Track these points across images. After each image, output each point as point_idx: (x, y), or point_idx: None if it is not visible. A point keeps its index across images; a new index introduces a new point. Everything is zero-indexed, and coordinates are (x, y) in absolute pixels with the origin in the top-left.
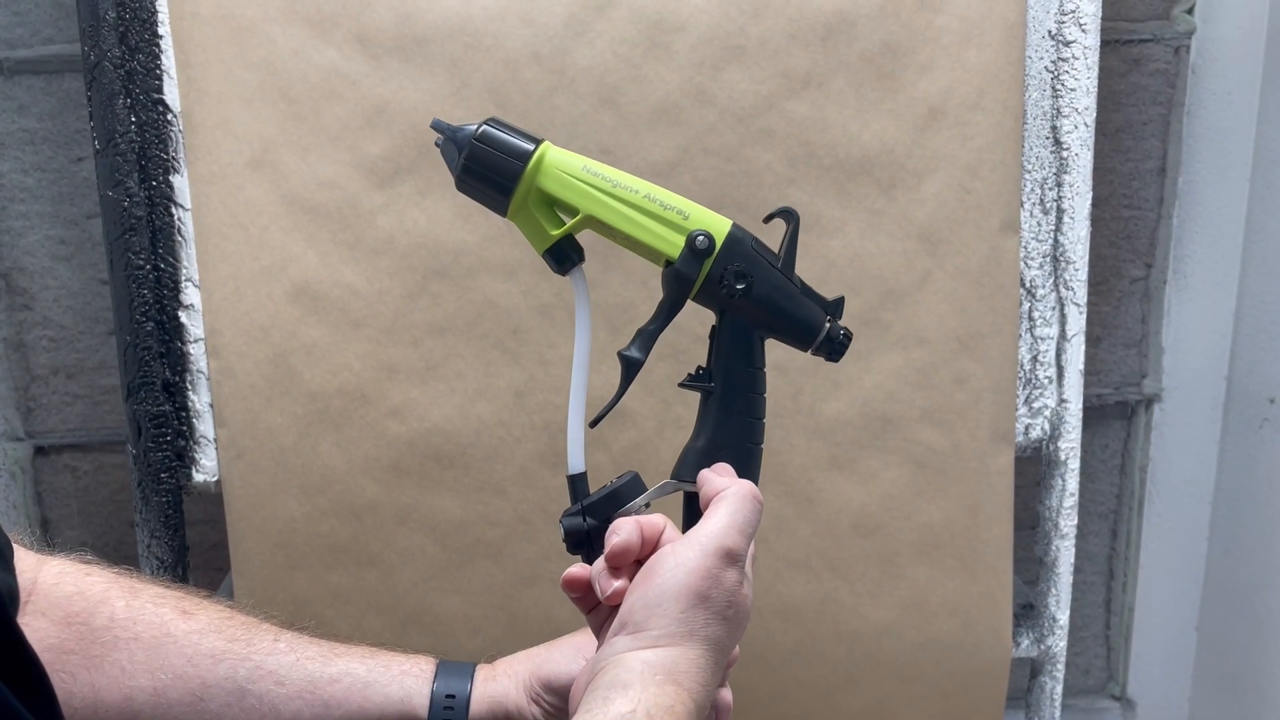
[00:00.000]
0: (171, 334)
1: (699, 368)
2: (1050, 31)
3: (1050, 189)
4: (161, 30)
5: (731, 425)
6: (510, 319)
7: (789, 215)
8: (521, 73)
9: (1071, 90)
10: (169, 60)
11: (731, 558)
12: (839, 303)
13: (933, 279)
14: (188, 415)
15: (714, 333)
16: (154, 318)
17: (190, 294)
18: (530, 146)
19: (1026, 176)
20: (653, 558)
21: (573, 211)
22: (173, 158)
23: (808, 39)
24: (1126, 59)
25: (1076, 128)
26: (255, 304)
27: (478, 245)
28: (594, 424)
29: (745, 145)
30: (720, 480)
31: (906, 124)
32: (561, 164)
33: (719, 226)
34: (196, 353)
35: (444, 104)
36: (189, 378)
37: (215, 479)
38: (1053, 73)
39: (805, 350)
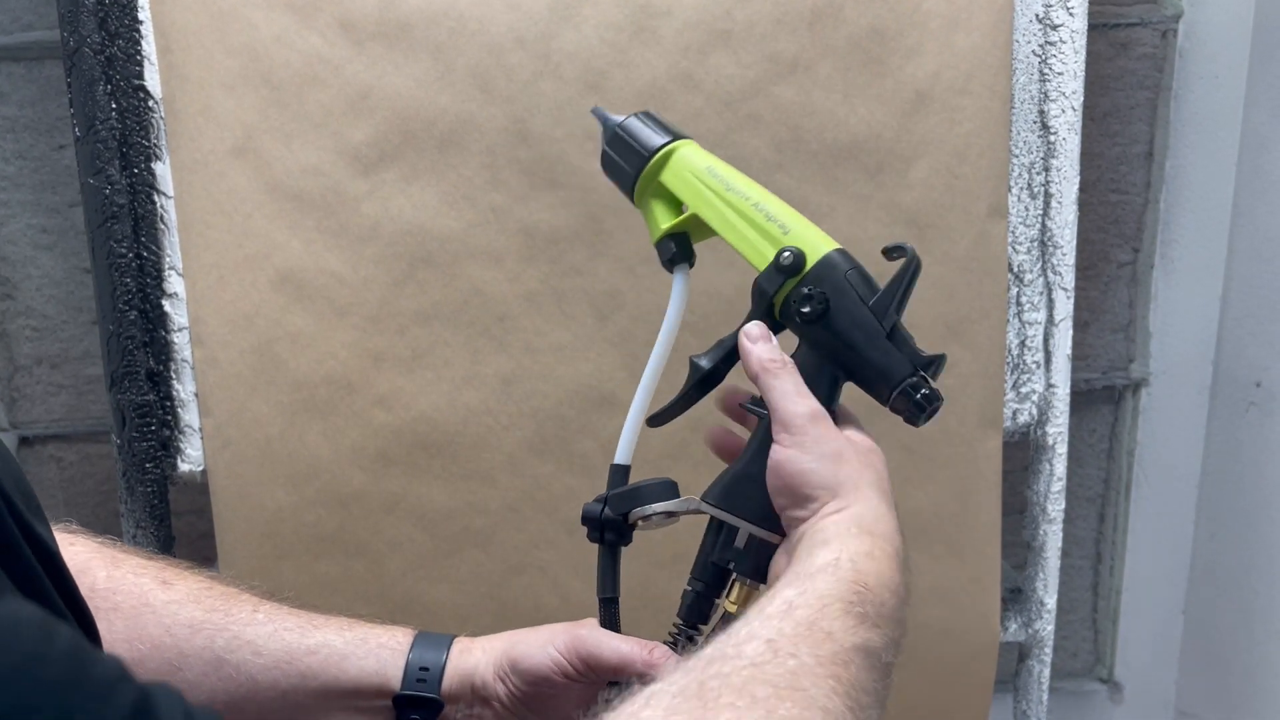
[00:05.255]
0: (155, 323)
1: None
2: (1038, 15)
3: (1038, 174)
4: (141, 15)
5: (767, 461)
6: (497, 306)
7: (906, 254)
8: (506, 58)
9: (1059, 74)
10: (149, 46)
11: (815, 416)
12: (936, 360)
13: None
14: (172, 405)
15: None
16: (137, 306)
17: (174, 282)
18: (661, 141)
19: (1014, 161)
20: (769, 463)
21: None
22: (154, 144)
23: (794, 23)
24: (1114, 43)
25: (1064, 112)
26: (239, 292)
27: (463, 232)
28: (651, 422)
29: (732, 130)
30: (748, 353)
31: (894, 109)
32: (688, 162)
33: (817, 247)
34: (180, 341)
35: (428, 90)
36: (173, 367)
37: (201, 469)
38: (1040, 57)
39: (883, 403)
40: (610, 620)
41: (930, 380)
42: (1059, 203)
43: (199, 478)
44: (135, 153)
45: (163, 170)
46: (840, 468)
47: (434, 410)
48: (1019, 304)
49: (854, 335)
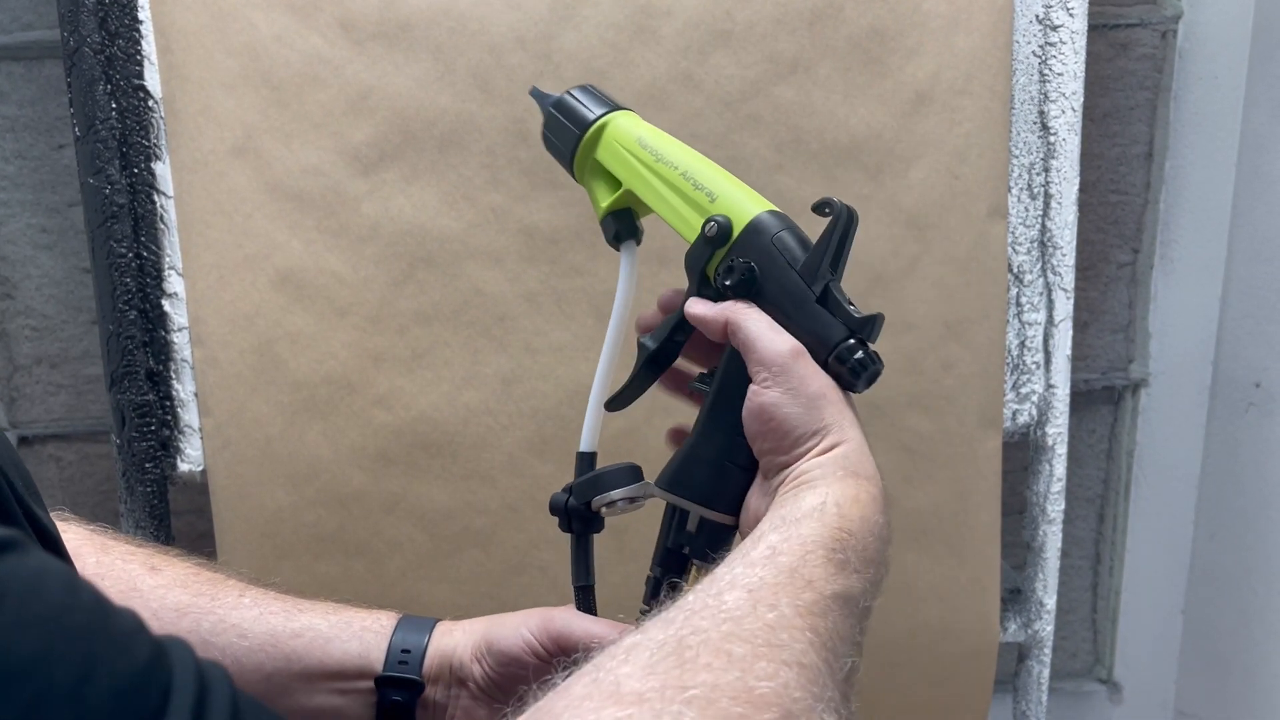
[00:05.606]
0: (155, 323)
1: (714, 369)
2: (1038, 16)
3: (1038, 174)
4: (142, 15)
5: (715, 438)
6: (497, 307)
7: (834, 209)
8: (507, 58)
9: (1059, 75)
10: (149, 45)
11: (796, 354)
12: (870, 321)
13: (920, 265)
14: (172, 404)
15: None
16: (137, 306)
17: (174, 282)
18: (594, 115)
19: (1014, 162)
20: (748, 406)
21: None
22: (154, 144)
23: (794, 24)
24: (1114, 43)
25: (1064, 112)
26: (239, 292)
27: (463, 232)
28: (609, 406)
29: (732, 131)
30: (702, 315)
31: (894, 109)
32: (620, 135)
33: (745, 212)
34: (180, 341)
35: (428, 90)
36: (173, 367)
37: (201, 469)
38: (1040, 57)
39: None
40: (586, 607)
41: (866, 343)
42: (1059, 203)
43: (199, 478)
44: (135, 152)
45: (163, 170)
46: (825, 409)
47: (434, 410)
48: (1019, 304)
49: (783, 302)
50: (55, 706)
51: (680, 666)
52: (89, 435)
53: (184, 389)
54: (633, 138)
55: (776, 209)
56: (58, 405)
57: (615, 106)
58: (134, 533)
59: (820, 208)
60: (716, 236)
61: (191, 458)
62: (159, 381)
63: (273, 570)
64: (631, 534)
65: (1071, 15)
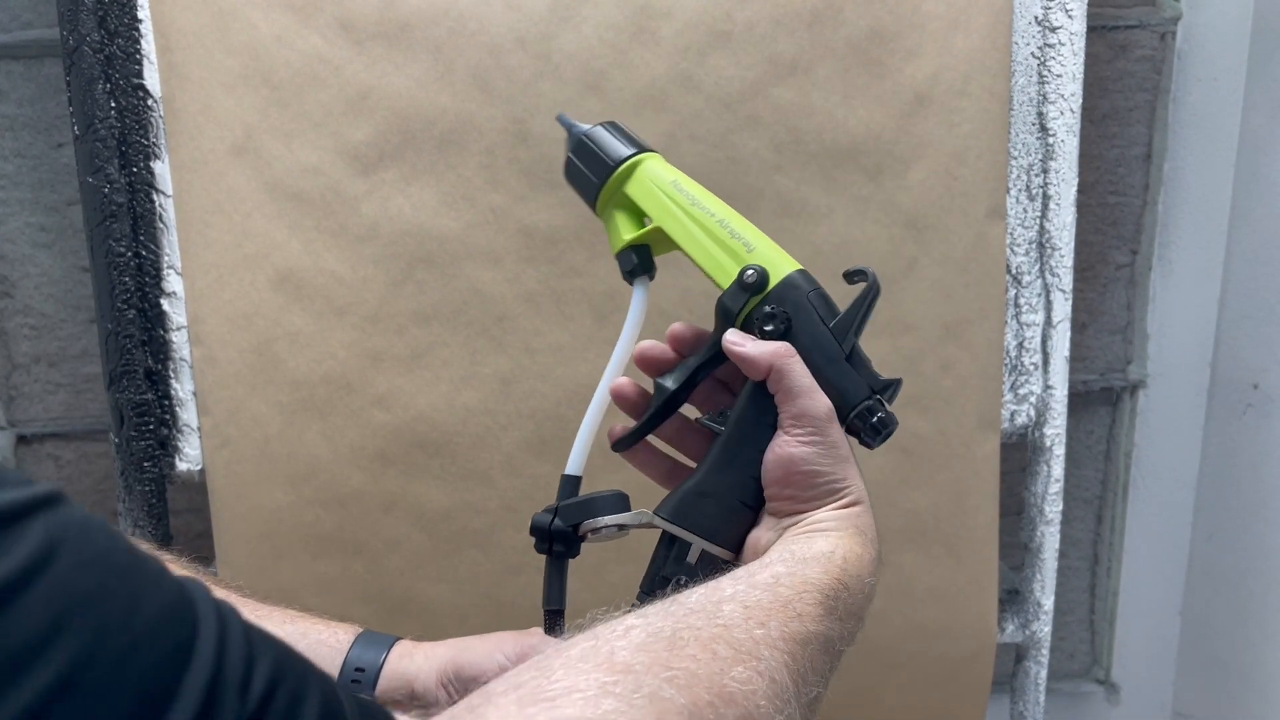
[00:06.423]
0: (154, 322)
1: (726, 409)
2: (1037, 17)
3: (1036, 175)
4: (141, 14)
5: (727, 477)
6: (496, 307)
7: (866, 279)
8: (506, 58)
9: (1058, 76)
10: (149, 45)
11: (831, 416)
12: (892, 385)
13: (919, 266)
14: (170, 404)
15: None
16: (136, 305)
17: (172, 281)
18: (628, 152)
19: (1013, 163)
20: (776, 454)
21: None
22: (153, 143)
23: (794, 25)
24: (1113, 45)
25: (1063, 114)
26: (238, 291)
27: (462, 232)
28: (617, 447)
29: (732, 132)
30: (748, 354)
31: (893, 110)
32: (653, 175)
33: (780, 267)
34: (179, 340)
35: (428, 90)
36: (172, 366)
37: (199, 468)
38: (1039, 59)
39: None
40: (555, 632)
41: (886, 404)
42: (1057, 204)
43: (197, 477)
44: (134, 151)
45: (162, 169)
46: (848, 469)
47: (432, 410)
48: (1017, 305)
49: (813, 355)
50: (113, 635)
51: (669, 651)
52: (87, 434)
53: (182, 388)
54: (668, 180)
55: (804, 269)
56: (56, 404)
57: (645, 148)
58: (133, 532)
59: (852, 275)
60: (754, 284)
61: (190, 457)
62: (157, 380)
63: (271, 569)
64: (631, 536)
65: (1070, 17)
